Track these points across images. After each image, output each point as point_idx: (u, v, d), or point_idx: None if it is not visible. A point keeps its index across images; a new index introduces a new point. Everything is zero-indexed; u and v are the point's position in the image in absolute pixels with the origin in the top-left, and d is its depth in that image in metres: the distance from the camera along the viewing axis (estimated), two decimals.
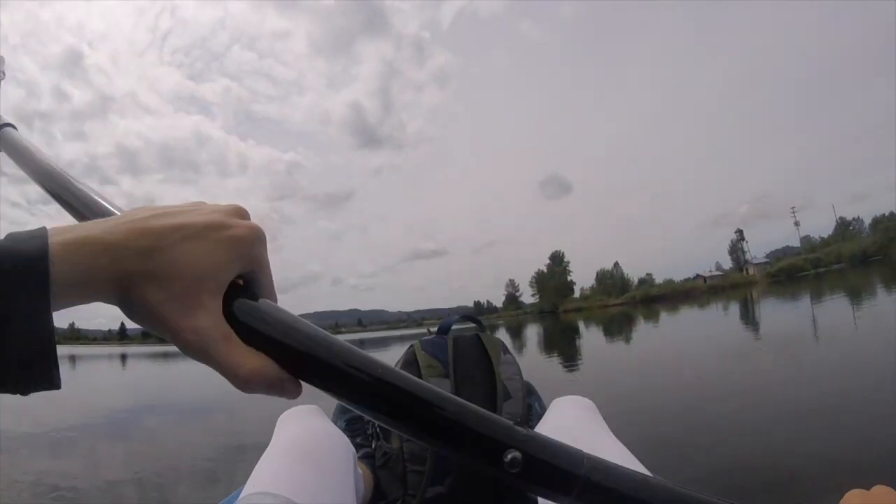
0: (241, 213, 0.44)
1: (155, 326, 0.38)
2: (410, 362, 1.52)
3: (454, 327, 1.67)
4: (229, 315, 0.39)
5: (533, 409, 1.62)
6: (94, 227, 0.36)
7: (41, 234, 0.33)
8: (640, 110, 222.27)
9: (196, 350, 0.38)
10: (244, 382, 0.38)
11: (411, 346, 1.57)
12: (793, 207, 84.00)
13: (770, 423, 4.66)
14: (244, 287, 0.42)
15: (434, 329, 1.67)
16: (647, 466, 0.89)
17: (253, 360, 0.39)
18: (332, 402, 1.18)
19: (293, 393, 0.41)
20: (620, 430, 1.15)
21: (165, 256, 0.37)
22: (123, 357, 42.89)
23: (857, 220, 77.72)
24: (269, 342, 0.39)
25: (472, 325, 1.81)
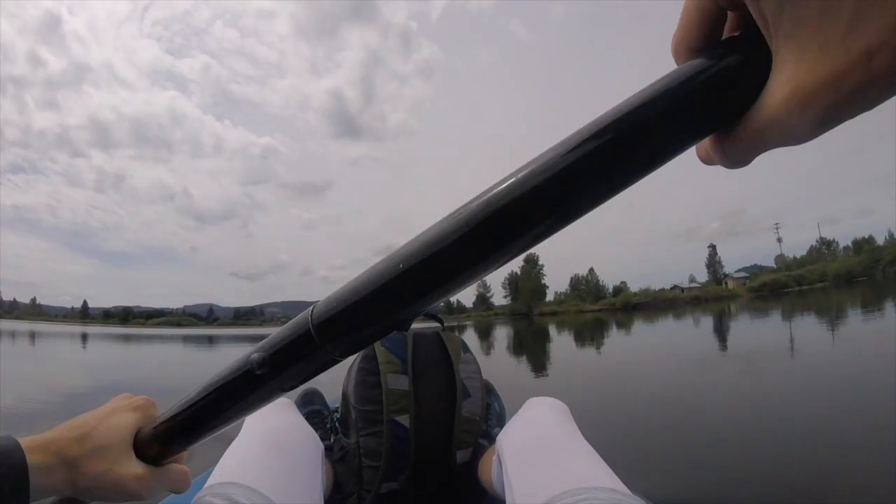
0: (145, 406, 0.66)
1: (101, 489, 0.57)
2: (369, 357, 1.49)
3: (414, 325, 1.02)
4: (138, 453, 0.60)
5: (492, 408, 1.72)
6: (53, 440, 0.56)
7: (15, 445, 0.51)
8: None
9: (133, 491, 0.58)
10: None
11: None
12: (776, 224, 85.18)
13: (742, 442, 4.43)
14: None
15: None
16: (615, 470, 0.92)
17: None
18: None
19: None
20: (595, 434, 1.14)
21: (94, 435, 0.58)
22: (84, 336, 41.92)
23: (834, 241, 79.06)
24: (171, 446, 0.60)
25: (433, 322, 1.75)
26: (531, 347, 18.94)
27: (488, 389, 1.74)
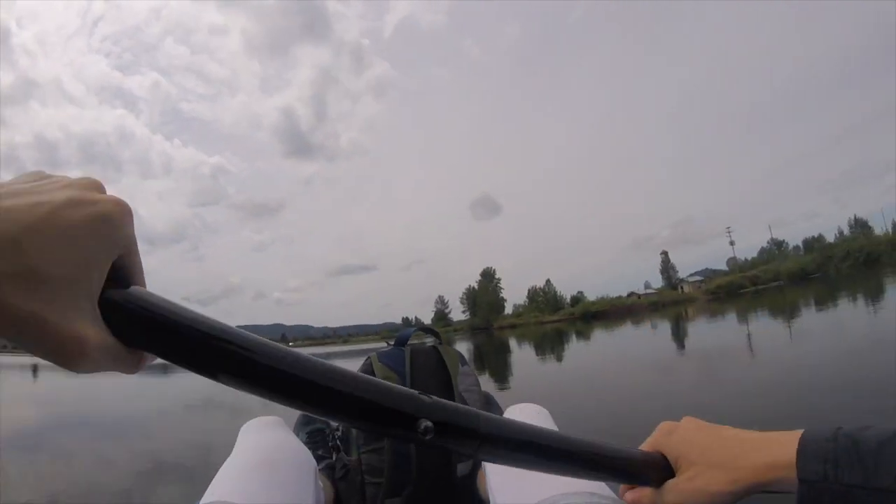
0: (98, 187, 0.37)
1: (24, 337, 0.31)
2: (367, 373, 1.24)
3: (412, 339, 1.62)
4: (105, 312, 0.36)
5: None
6: None
7: None
8: (570, 136, 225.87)
9: (80, 362, 0.33)
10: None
11: (368, 357, 1.55)
12: (728, 227, 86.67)
13: None
14: (115, 276, 0.37)
15: (392, 341, 1.62)
16: None
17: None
18: (294, 414, 1.71)
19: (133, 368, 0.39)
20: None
21: (33, 250, 0.30)
22: (35, 368, 39.20)
23: (784, 242, 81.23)
24: (151, 339, 0.38)
25: (430, 337, 1.81)
26: (492, 361, 18.75)
27: (487, 401, 1.73)
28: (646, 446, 0.68)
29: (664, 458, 0.65)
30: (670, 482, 0.62)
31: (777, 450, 0.53)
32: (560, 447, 0.54)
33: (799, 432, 0.52)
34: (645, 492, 0.66)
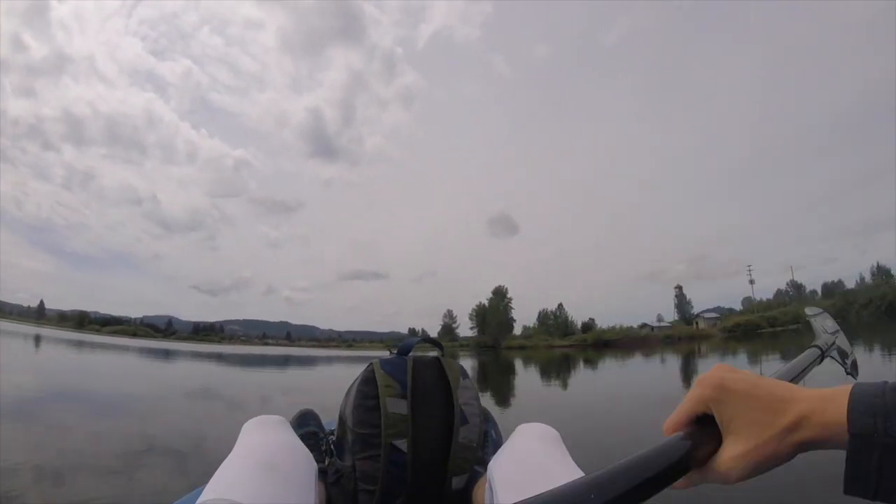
0: None
1: None
2: (369, 380, 1.48)
3: (414, 350, 1.63)
4: None
5: (489, 435, 1.74)
6: None
7: None
8: (594, 162, 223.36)
9: None
10: None
11: (370, 364, 1.52)
12: (749, 266, 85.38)
13: None
14: None
15: (395, 350, 1.62)
16: None
17: None
18: (291, 414, 1.75)
19: None
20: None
21: None
22: (37, 338, 40.55)
23: (802, 285, 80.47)
24: None
25: (433, 348, 1.80)
26: (495, 381, 18.91)
27: (486, 416, 1.73)
28: (688, 408, 0.60)
29: (714, 424, 0.57)
30: (722, 453, 0.56)
31: (830, 405, 0.51)
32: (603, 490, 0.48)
33: (847, 388, 0.51)
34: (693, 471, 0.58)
